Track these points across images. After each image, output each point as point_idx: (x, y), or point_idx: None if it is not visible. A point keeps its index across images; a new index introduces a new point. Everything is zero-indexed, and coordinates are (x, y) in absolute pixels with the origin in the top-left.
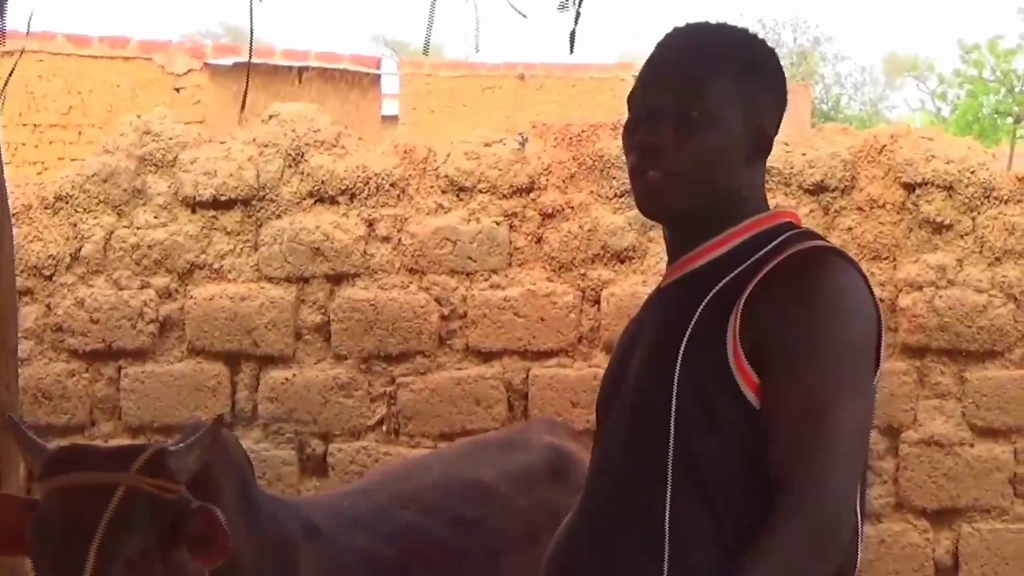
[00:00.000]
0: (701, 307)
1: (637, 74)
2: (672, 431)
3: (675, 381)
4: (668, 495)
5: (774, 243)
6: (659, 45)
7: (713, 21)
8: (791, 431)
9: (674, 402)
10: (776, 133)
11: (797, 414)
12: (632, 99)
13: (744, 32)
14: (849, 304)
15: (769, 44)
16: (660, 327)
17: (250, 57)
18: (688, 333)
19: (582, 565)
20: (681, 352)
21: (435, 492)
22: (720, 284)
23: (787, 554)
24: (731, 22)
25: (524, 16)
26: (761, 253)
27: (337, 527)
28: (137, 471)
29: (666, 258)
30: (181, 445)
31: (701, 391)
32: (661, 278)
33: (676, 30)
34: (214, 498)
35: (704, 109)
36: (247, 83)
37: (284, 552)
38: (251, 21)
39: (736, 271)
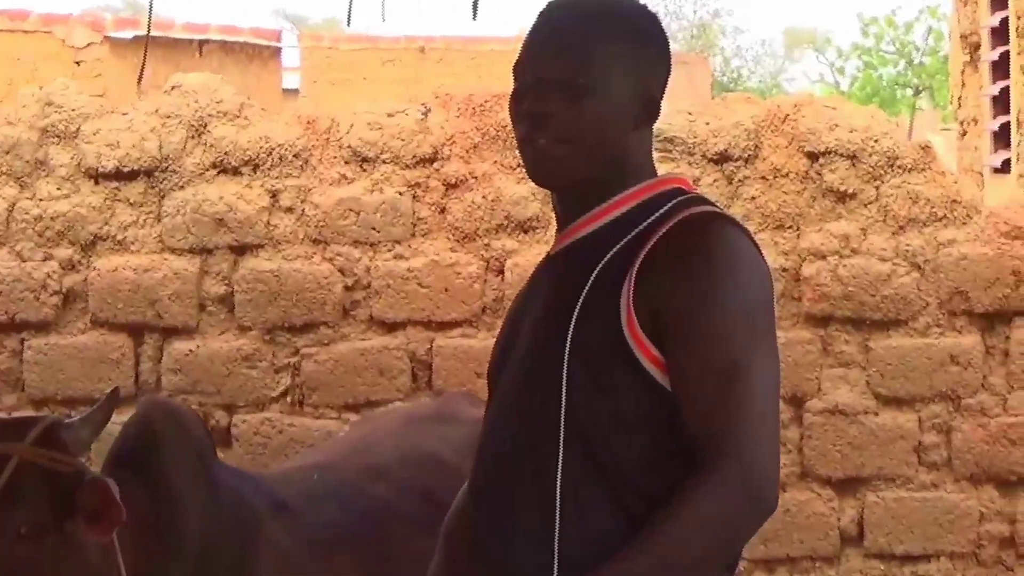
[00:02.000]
0: (593, 275)
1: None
2: (563, 399)
3: (566, 349)
4: (559, 465)
5: (664, 208)
6: (542, 14)
7: None
8: (708, 392)
9: (565, 370)
10: (662, 98)
11: (712, 375)
12: (518, 68)
13: None
14: (745, 264)
15: (652, 10)
16: (550, 295)
17: (148, 30)
18: (580, 301)
19: (476, 537)
20: (573, 320)
21: (400, 466)
22: (611, 251)
23: (723, 510)
24: None
25: None
26: (652, 218)
27: (306, 503)
28: (31, 442)
29: None
30: (76, 417)
31: (593, 359)
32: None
33: None
34: (165, 472)
35: (592, 75)
36: (144, 56)
37: (246, 528)
38: None
39: (627, 237)
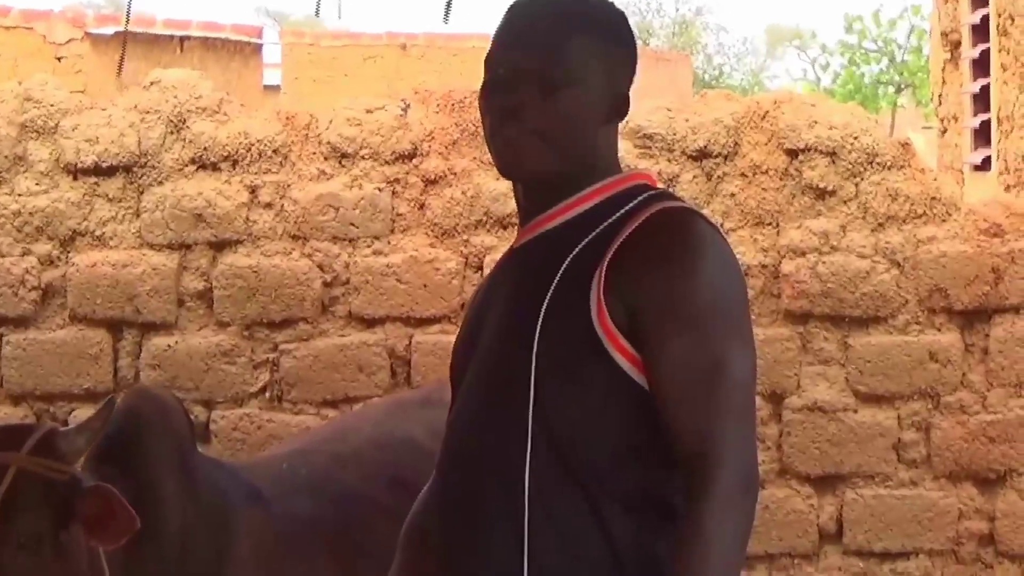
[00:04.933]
0: (562, 268)
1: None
2: (532, 394)
3: (535, 344)
4: (528, 464)
5: (633, 203)
6: (512, 8)
7: None
8: (692, 392)
9: (534, 365)
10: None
11: (695, 374)
12: (489, 60)
13: None
14: (721, 259)
15: (619, 8)
16: (515, 289)
17: (127, 21)
18: (549, 294)
19: (441, 536)
20: (541, 314)
21: (371, 452)
22: (580, 244)
23: (726, 519)
24: None
25: None
26: (621, 213)
27: (278, 492)
28: (28, 452)
29: None
30: (72, 426)
31: (562, 354)
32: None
33: None
34: (148, 469)
35: (566, 68)
36: (123, 47)
37: (222, 518)
38: None
39: (595, 231)
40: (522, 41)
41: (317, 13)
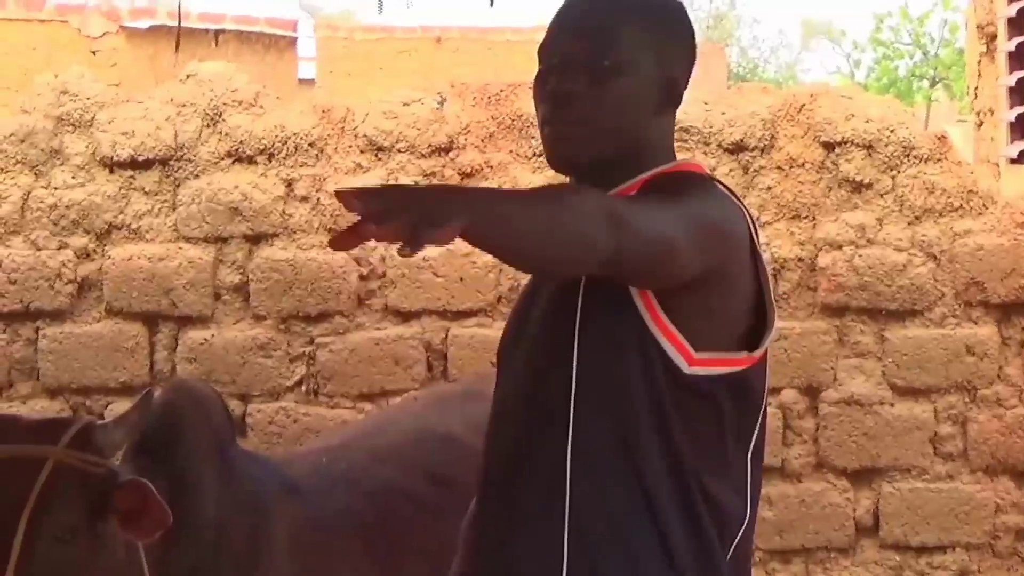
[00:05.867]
0: None
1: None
2: (575, 364)
3: (577, 315)
4: (570, 432)
5: None
6: None
7: None
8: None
9: (576, 335)
10: (686, 86)
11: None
12: (543, 50)
13: None
14: (713, 200)
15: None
16: None
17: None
18: None
19: (490, 513)
20: (581, 288)
21: (410, 447)
22: None
23: (592, 207)
24: None
25: None
26: None
27: (317, 485)
28: (66, 445)
29: None
30: (109, 420)
31: (603, 322)
32: None
33: None
34: (185, 461)
35: (616, 57)
36: (178, 36)
37: (259, 512)
38: None
39: None
40: (574, 30)
41: (380, 9)
